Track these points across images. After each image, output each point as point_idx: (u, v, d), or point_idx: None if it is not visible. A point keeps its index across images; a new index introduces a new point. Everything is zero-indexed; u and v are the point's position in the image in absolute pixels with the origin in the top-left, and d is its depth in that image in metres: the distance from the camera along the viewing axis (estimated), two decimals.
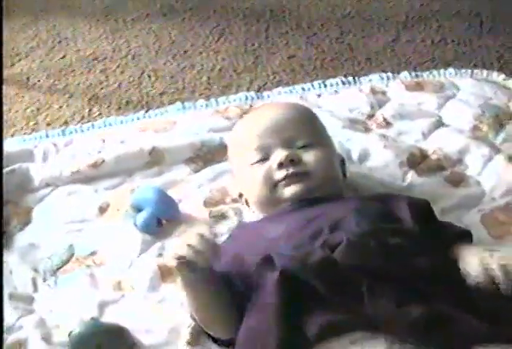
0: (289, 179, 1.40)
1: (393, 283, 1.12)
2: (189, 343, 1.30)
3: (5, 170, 1.68)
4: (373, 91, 1.91)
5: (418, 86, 1.93)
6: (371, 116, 1.82)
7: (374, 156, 1.68)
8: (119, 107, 2.09)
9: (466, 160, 1.66)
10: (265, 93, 1.99)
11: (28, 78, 2.27)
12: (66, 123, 2.03)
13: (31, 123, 2.04)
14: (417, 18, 2.44)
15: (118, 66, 2.30)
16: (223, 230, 1.52)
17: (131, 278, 1.46)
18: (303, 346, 1.09)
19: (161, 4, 2.62)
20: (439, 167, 1.65)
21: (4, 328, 1.29)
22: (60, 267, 1.51)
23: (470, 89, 1.90)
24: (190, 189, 1.66)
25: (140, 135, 1.83)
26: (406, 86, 1.93)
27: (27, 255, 1.55)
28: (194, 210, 1.60)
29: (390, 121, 1.80)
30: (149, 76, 2.24)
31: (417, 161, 1.66)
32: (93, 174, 1.71)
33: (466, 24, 2.39)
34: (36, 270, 1.51)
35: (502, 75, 1.98)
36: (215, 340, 1.28)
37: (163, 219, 1.56)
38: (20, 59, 2.36)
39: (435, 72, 2.01)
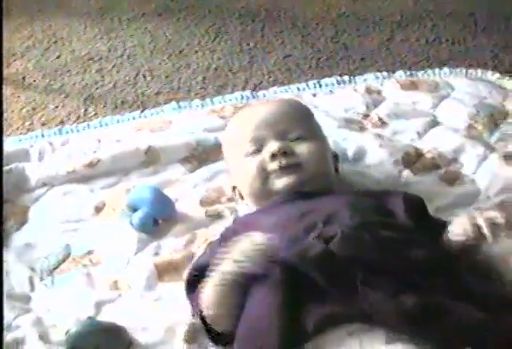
0: (281, 171, 1.41)
1: (387, 276, 1.13)
2: (186, 341, 1.30)
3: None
4: (368, 90, 1.92)
5: (413, 86, 1.94)
6: (366, 116, 1.83)
7: (370, 155, 1.69)
8: (115, 107, 2.10)
9: (461, 159, 1.67)
10: (261, 92, 2.00)
11: (23, 78, 2.27)
12: (62, 123, 2.03)
13: (27, 123, 2.05)
14: (412, 18, 2.45)
15: (113, 66, 2.31)
16: (219, 230, 1.52)
17: (127, 277, 1.46)
18: (302, 339, 1.10)
19: (157, 4, 2.63)
20: (434, 166, 1.66)
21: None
22: (57, 267, 1.52)
23: (464, 89, 1.91)
24: (186, 188, 1.66)
25: (135, 135, 1.83)
26: (401, 86, 1.94)
27: (23, 255, 1.55)
28: (190, 209, 1.60)
29: (386, 121, 1.80)
30: (144, 76, 2.24)
31: (412, 159, 1.67)
32: (89, 174, 1.71)
33: (461, 23, 2.40)
34: (32, 270, 1.51)
35: (497, 75, 1.99)
36: (213, 339, 1.28)
37: (159, 218, 1.57)
38: (15, 59, 2.37)
39: (430, 71, 2.02)
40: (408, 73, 2.02)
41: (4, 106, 2.08)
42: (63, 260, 1.53)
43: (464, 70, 2.01)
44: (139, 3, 2.64)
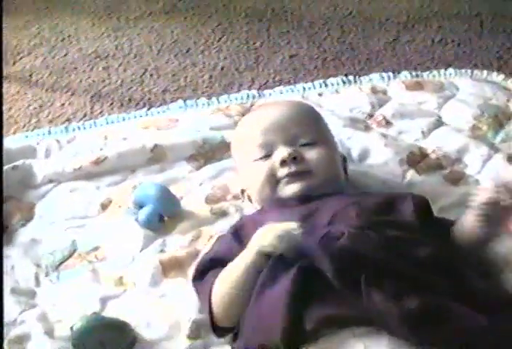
0: (291, 177, 1.41)
1: (392, 276, 1.13)
2: (190, 337, 1.31)
3: (8, 166, 1.69)
4: (373, 90, 1.92)
5: (418, 86, 1.94)
6: (371, 115, 1.83)
7: (375, 155, 1.69)
8: (121, 105, 2.11)
9: (465, 159, 1.67)
10: (267, 91, 2.00)
11: (30, 76, 2.28)
12: (68, 120, 2.04)
13: (34, 121, 2.06)
14: (418, 18, 2.45)
15: (120, 64, 2.31)
16: (224, 227, 1.53)
17: (132, 274, 1.47)
18: (303, 339, 1.11)
19: (164, 3, 2.63)
20: (439, 166, 1.66)
21: (4, 324, 1.30)
22: (62, 263, 1.53)
23: (469, 89, 1.91)
24: (192, 186, 1.67)
25: (142, 132, 1.84)
26: (407, 86, 1.94)
27: (29, 250, 1.56)
28: (195, 207, 1.61)
29: (391, 120, 1.81)
30: (151, 74, 2.25)
31: (416, 159, 1.67)
32: (95, 171, 1.72)
33: (466, 24, 2.40)
34: (38, 265, 1.52)
35: (502, 76, 1.99)
36: (217, 332, 1.29)
37: (165, 215, 1.57)
38: (22, 57, 2.37)
39: (435, 72, 2.02)
40: (413, 73, 2.02)
41: (11, 103, 2.10)
42: (69, 256, 1.54)
43: (469, 71, 2.02)
44: (146, 1, 2.64)
